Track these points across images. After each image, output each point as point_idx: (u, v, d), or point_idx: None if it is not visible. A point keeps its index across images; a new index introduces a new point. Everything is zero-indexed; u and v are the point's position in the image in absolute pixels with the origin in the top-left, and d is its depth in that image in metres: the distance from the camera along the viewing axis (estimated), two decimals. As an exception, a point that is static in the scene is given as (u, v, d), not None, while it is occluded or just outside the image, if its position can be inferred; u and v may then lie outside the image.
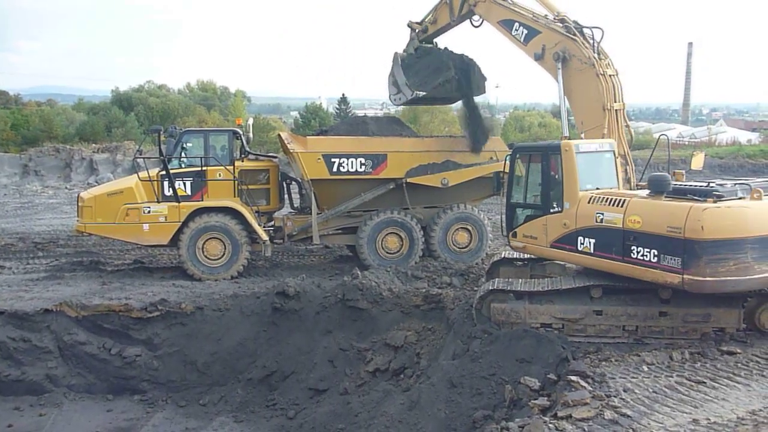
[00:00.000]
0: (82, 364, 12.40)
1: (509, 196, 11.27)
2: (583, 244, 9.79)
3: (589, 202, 9.80)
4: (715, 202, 8.48)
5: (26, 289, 13.65)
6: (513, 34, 13.10)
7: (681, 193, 9.02)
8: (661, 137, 12.49)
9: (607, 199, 9.59)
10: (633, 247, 9.05)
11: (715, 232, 8.28)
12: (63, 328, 12.33)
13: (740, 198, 8.77)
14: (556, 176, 10.32)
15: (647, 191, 9.53)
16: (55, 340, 12.32)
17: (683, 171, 10.85)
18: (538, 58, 12.52)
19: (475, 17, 14.46)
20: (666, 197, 9.09)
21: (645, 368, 8.38)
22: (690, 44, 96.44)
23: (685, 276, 8.43)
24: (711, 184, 9.07)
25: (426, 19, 15.84)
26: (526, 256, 12.09)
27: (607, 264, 9.47)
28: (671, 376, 8.08)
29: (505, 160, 11.45)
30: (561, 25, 12.34)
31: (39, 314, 12.27)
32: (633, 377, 8.08)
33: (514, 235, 11.07)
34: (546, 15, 12.81)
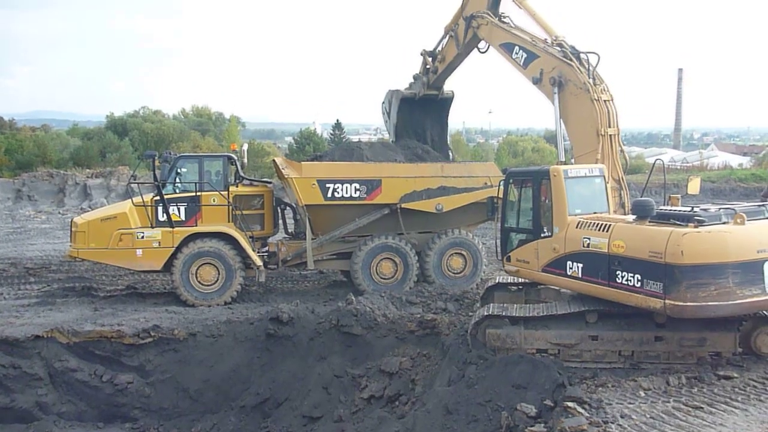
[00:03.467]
0: (72, 391, 12.25)
1: (503, 220, 11.32)
2: (571, 268, 9.81)
3: (577, 227, 9.83)
4: (696, 227, 8.47)
5: (17, 315, 13.52)
6: (513, 57, 13.23)
7: (664, 218, 9.00)
8: (657, 162, 12.55)
9: (594, 223, 9.63)
10: (618, 272, 9.04)
11: (695, 257, 8.26)
12: (54, 354, 12.20)
13: (723, 223, 8.75)
14: (547, 201, 10.37)
15: (633, 216, 9.56)
16: (46, 367, 12.18)
17: (679, 195, 10.88)
18: (537, 82, 12.62)
19: (482, 44, 14.68)
20: (649, 222, 9.10)
21: (642, 393, 8.32)
22: (680, 70, 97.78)
23: (666, 301, 8.41)
24: (695, 209, 9.08)
25: (436, 56, 16.08)
26: (520, 280, 12.08)
27: (594, 288, 9.48)
28: (668, 402, 8.03)
29: (499, 185, 11.51)
30: (558, 49, 12.44)
31: (29, 341, 12.14)
32: (630, 403, 8.02)
33: (508, 259, 11.09)
34: (545, 39, 12.92)
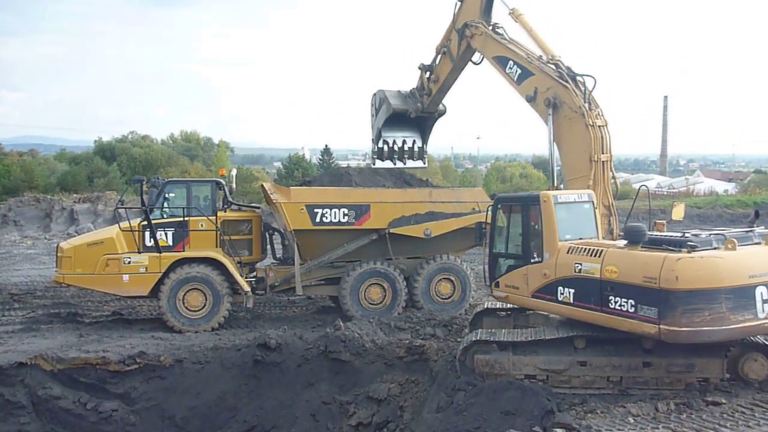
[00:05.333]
0: (56, 419, 12.05)
1: (491, 246, 11.28)
2: (562, 294, 9.79)
3: (568, 253, 9.85)
4: (689, 252, 8.53)
5: (1, 341, 13.34)
6: (507, 71, 13.00)
7: (656, 244, 9.05)
8: (642, 188, 12.64)
9: (585, 249, 9.65)
10: (610, 297, 9.05)
11: (689, 282, 8.31)
12: (37, 382, 12.02)
13: (714, 248, 8.82)
14: (536, 226, 10.38)
15: (624, 242, 9.59)
16: (29, 395, 11.98)
17: (664, 221, 10.94)
18: (530, 100, 12.42)
19: (476, 56, 14.47)
20: (642, 248, 9.14)
21: (631, 420, 8.30)
22: (666, 98, 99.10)
23: (661, 326, 8.43)
24: (686, 235, 9.12)
25: (431, 75, 15.80)
26: (509, 306, 12.07)
27: (586, 314, 9.47)
28: (657, 428, 8.01)
29: (487, 210, 11.51)
30: (554, 69, 12.23)
31: (13, 368, 11.96)
32: (619, 429, 7.99)
33: (497, 285, 11.05)
34: (540, 56, 12.73)
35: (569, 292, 9.69)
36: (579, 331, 9.74)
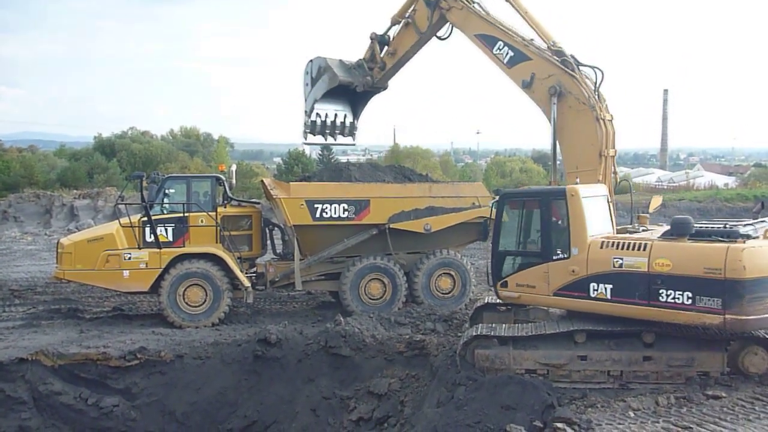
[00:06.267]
0: (57, 415, 12.06)
1: (496, 244, 10.83)
2: (596, 290, 9.61)
3: (602, 247, 9.66)
4: (744, 242, 8.63)
5: (1, 337, 13.35)
6: (495, 52, 12.40)
7: (704, 235, 9.12)
8: (622, 183, 12.52)
9: (625, 243, 9.49)
10: (661, 291, 8.99)
11: (755, 271, 8.45)
12: (38, 377, 12.02)
13: (755, 237, 8.97)
14: (559, 222, 10.16)
15: (663, 234, 9.59)
16: (30, 391, 11.99)
17: (647, 215, 10.94)
18: (526, 86, 11.99)
19: (443, 30, 13.69)
20: (689, 239, 9.17)
21: (631, 414, 8.31)
22: (666, 91, 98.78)
23: (726, 316, 8.48)
24: (728, 226, 9.28)
25: (387, 45, 14.62)
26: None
27: (628, 309, 9.33)
28: (657, 422, 8.01)
29: (492, 207, 11.03)
30: (557, 58, 11.82)
31: (14, 363, 11.97)
32: (619, 423, 8.00)
33: (504, 284, 10.65)
34: (532, 40, 12.26)
35: (606, 288, 9.52)
36: (579, 326, 9.75)
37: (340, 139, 16.62)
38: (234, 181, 16.77)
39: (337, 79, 14.98)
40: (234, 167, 18.34)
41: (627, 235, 10.15)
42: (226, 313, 14.64)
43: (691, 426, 7.82)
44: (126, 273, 14.20)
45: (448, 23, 13.79)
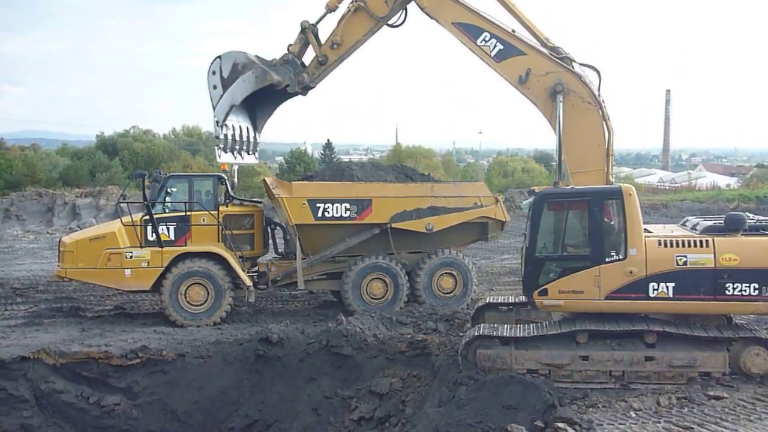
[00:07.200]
0: (59, 413, 12.08)
1: (533, 249, 10.08)
2: (657, 289, 9.64)
3: (660, 246, 9.69)
4: None
5: (3, 335, 13.37)
6: (479, 44, 11.64)
7: (757, 230, 9.82)
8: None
9: (687, 241, 9.68)
10: (728, 285, 9.42)
11: None
12: (40, 376, 12.04)
13: None
14: (612, 222, 10.05)
15: (707, 229, 9.91)
16: (32, 389, 12.01)
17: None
18: (522, 81, 11.43)
19: (395, 17, 12.49)
20: (743, 234, 9.70)
21: (633, 414, 8.32)
22: (668, 91, 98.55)
23: None
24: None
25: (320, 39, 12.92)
26: (511, 300, 12.06)
27: (692, 306, 9.64)
28: (659, 422, 8.02)
29: (530, 208, 10.20)
30: (556, 55, 11.53)
31: (15, 362, 11.99)
32: (621, 423, 8.01)
33: (543, 292, 9.98)
34: (513, 30, 11.76)
35: (668, 287, 9.60)
36: (581, 326, 9.74)
37: (247, 158, 14.65)
38: (236, 180, 16.77)
39: (266, 78, 13.11)
40: (236, 166, 18.34)
41: (681, 233, 10.26)
42: (228, 312, 14.64)
43: (693, 426, 7.83)
44: (128, 272, 14.20)
45: (404, 8, 12.54)
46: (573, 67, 11.49)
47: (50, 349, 12.23)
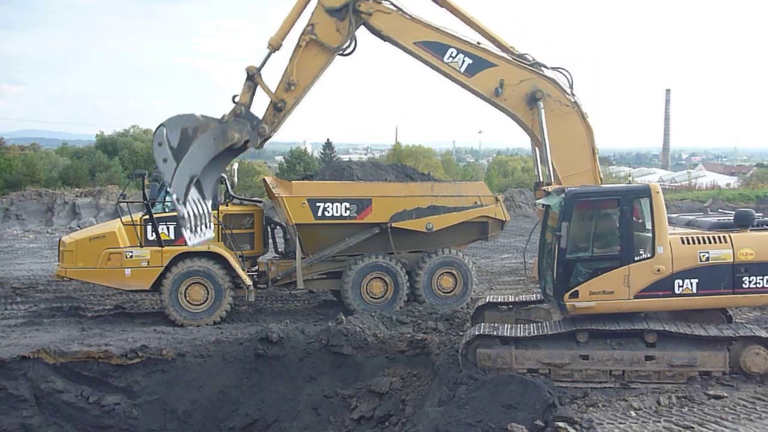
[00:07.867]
0: (58, 413, 12.07)
1: (565, 251, 9.77)
2: (682, 286, 9.78)
3: (683, 243, 9.87)
4: None
5: (3, 335, 13.36)
6: (446, 61, 11.32)
7: (764, 225, 10.26)
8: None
9: (707, 238, 9.89)
10: (744, 278, 9.78)
11: None
12: (40, 375, 12.03)
13: None
14: (640, 221, 10.09)
15: (715, 225, 10.16)
16: (32, 388, 12.00)
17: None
18: (498, 94, 11.21)
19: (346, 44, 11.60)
20: (751, 230, 10.06)
21: (633, 413, 8.32)
22: (668, 91, 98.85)
23: None
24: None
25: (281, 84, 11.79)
26: (511, 299, 12.07)
27: (713, 300, 9.88)
28: (659, 422, 8.02)
29: (562, 209, 9.82)
30: (526, 62, 11.44)
31: (15, 361, 11.97)
32: (621, 422, 8.01)
33: (574, 294, 9.78)
34: (479, 43, 11.58)
35: (691, 283, 9.78)
36: (581, 326, 9.74)
37: (207, 233, 12.49)
38: (236, 179, 16.78)
39: (227, 137, 11.58)
40: (236, 165, 18.34)
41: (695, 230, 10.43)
42: (228, 311, 14.64)
43: (693, 426, 7.83)
44: (128, 271, 14.20)
45: (353, 35, 11.72)
46: (551, 71, 11.51)
47: (50, 349, 12.22)
